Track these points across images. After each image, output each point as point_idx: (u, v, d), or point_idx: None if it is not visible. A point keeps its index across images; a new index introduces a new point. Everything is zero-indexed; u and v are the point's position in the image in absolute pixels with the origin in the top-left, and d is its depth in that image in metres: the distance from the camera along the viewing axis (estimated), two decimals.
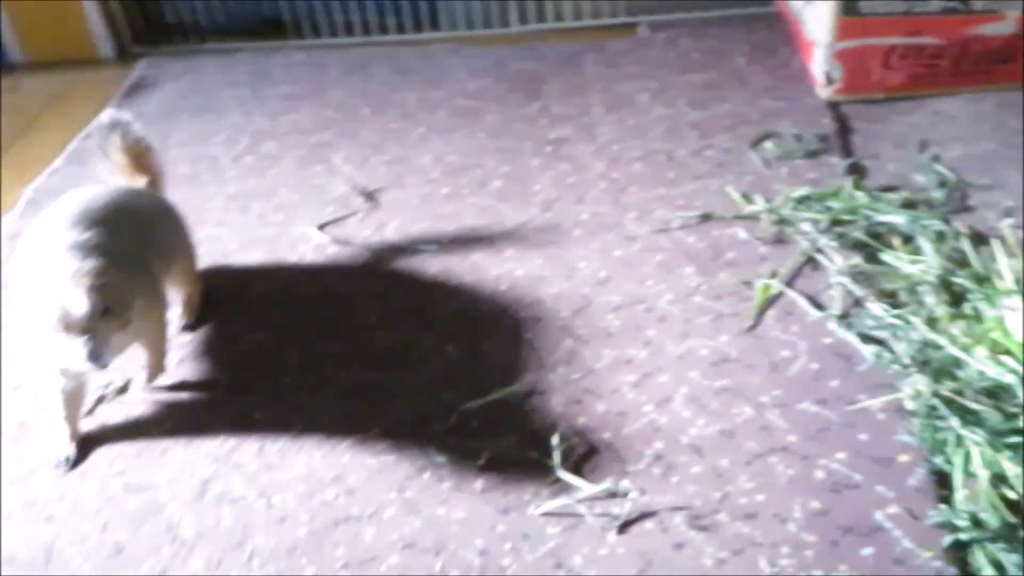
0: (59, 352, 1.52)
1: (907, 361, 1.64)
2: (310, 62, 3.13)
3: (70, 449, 1.71)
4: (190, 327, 1.98)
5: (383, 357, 1.86)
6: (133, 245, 1.72)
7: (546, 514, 1.49)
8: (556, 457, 1.56)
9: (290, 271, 2.15)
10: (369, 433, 1.68)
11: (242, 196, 2.45)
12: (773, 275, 1.91)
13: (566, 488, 1.52)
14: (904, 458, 1.49)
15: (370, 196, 2.38)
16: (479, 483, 1.56)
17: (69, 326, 1.46)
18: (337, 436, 1.69)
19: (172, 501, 1.60)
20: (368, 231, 2.24)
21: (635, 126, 2.51)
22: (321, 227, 2.27)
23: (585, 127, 2.55)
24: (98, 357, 1.48)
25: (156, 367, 1.82)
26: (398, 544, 1.48)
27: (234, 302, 2.06)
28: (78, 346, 1.47)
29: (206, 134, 2.75)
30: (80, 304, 1.46)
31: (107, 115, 1.96)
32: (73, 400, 1.70)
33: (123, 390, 1.85)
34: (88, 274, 1.50)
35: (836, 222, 2.02)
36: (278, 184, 2.48)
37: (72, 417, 1.71)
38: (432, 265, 2.10)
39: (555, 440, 1.59)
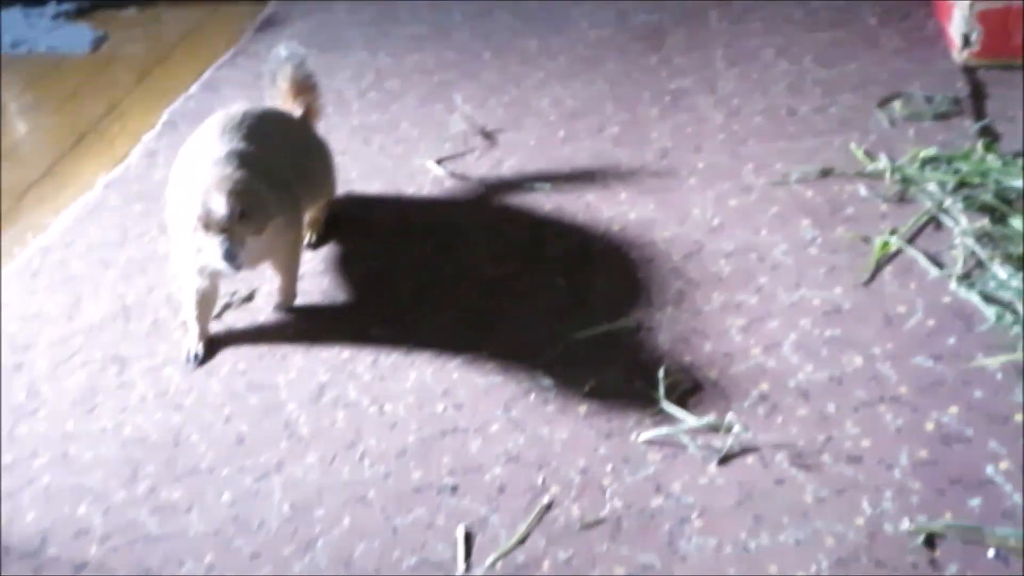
0: (199, 251, 1.61)
1: None
2: (435, 6, 3.18)
3: (199, 347, 1.82)
4: (312, 245, 2.07)
5: (493, 287, 1.91)
6: (283, 167, 1.81)
7: (648, 442, 1.52)
8: (661, 389, 1.58)
9: (408, 201, 2.22)
10: (478, 354, 1.74)
11: (365, 128, 2.52)
12: (893, 232, 1.87)
13: (669, 419, 1.55)
14: (1020, 417, 1.46)
15: (488, 135, 2.42)
16: (583, 408, 1.60)
17: (208, 225, 1.56)
18: (447, 355, 1.75)
19: (290, 401, 1.69)
20: (485, 168, 2.29)
21: (758, 80, 2.48)
22: (439, 161, 2.33)
23: (706, 79, 2.53)
24: (233, 257, 1.57)
25: (288, 292, 1.91)
26: (502, 457, 1.53)
27: (354, 227, 2.14)
28: (215, 245, 1.57)
29: (332, 69, 2.84)
30: (220, 205, 1.55)
31: (285, 47, 2.08)
32: (206, 301, 1.81)
33: (248, 299, 1.96)
34: (231, 179, 1.61)
35: (963, 184, 1.96)
36: (400, 119, 2.55)
37: (203, 317, 1.82)
38: (546, 203, 2.13)
39: (660, 373, 1.61)
